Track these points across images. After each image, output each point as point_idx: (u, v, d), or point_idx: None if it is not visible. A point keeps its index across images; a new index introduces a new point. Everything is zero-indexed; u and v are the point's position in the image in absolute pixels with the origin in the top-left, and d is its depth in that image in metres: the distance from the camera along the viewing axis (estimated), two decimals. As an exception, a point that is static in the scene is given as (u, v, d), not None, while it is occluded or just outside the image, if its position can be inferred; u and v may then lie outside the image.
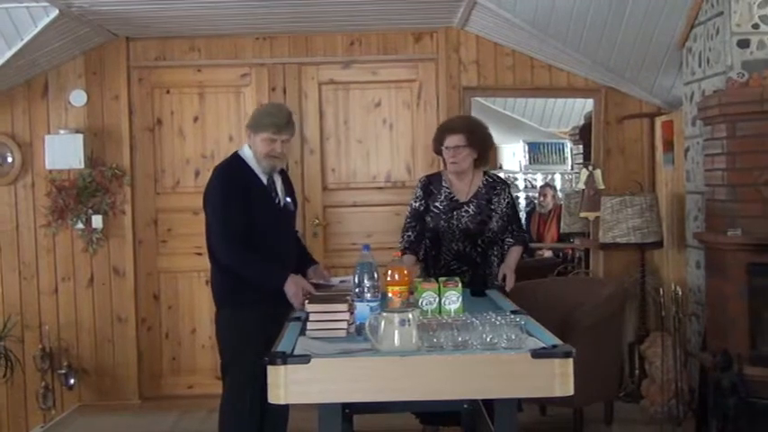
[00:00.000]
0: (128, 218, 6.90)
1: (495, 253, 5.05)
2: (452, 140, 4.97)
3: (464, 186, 5.05)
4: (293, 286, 4.41)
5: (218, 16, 6.32)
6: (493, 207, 5.02)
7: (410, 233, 5.04)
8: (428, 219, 5.02)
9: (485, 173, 5.13)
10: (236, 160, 4.65)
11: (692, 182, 5.91)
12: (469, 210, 5.00)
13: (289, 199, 4.69)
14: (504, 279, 4.88)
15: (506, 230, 5.05)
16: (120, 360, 6.93)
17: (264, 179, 4.59)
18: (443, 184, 5.07)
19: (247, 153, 4.60)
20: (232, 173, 4.58)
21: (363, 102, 7.02)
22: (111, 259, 6.91)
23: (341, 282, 4.65)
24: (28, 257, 6.90)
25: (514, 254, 5.03)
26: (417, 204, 5.07)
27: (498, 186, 5.09)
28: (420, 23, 6.75)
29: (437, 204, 5.02)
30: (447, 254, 5.00)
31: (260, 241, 4.49)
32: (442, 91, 6.89)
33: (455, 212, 4.99)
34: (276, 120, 4.54)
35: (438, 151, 5.13)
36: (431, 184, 5.10)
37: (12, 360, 6.63)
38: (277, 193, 4.63)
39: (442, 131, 5.09)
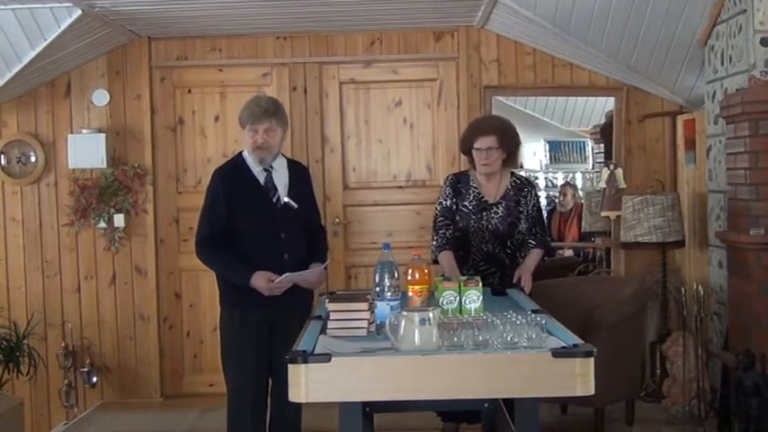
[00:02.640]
0: (149, 217, 6.94)
1: (523, 254, 5.01)
2: (485, 142, 4.92)
3: (492, 187, 5.02)
4: (261, 281, 4.41)
5: (240, 16, 6.34)
6: (521, 209, 5.00)
7: (444, 231, 4.96)
8: (457, 218, 4.98)
9: (512, 173, 5.10)
10: (234, 159, 4.74)
11: (714, 181, 5.88)
12: (498, 211, 4.97)
13: (286, 199, 4.60)
14: (519, 281, 4.82)
15: (531, 232, 5.01)
16: (142, 358, 6.97)
17: (262, 178, 4.60)
18: (471, 183, 5.03)
19: (247, 153, 4.66)
20: (223, 172, 4.67)
21: (384, 101, 7.02)
22: (133, 258, 6.95)
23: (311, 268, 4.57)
24: (51, 256, 6.95)
25: (534, 256, 4.98)
26: (449, 202, 5.01)
27: (526, 188, 5.06)
28: (441, 22, 6.75)
29: (466, 204, 4.99)
30: (476, 254, 4.97)
31: (248, 239, 4.52)
32: (463, 90, 6.89)
33: (484, 213, 4.96)
34: (250, 111, 4.58)
35: (466, 151, 5.09)
36: (459, 183, 5.05)
37: (35, 358, 6.67)
38: (276, 191, 4.61)
39: (474, 132, 5.03)
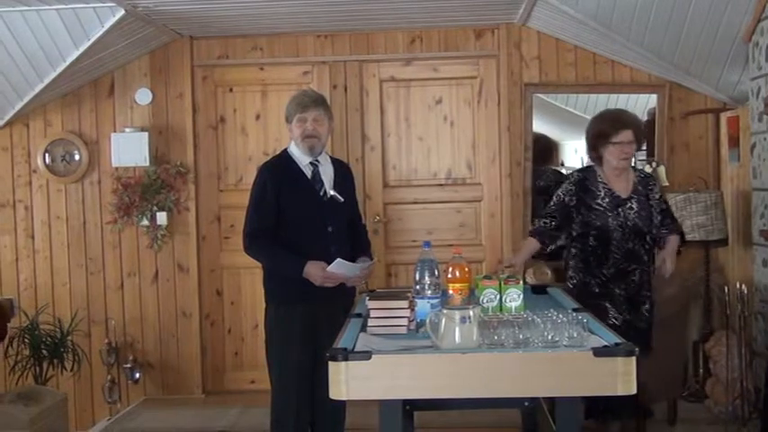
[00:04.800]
0: (191, 215, 6.99)
1: (653, 250, 5.00)
2: (627, 135, 4.86)
3: (622, 182, 4.95)
4: (316, 269, 4.41)
5: (280, 15, 6.37)
6: (651, 202, 4.96)
7: (548, 221, 4.93)
8: (592, 217, 4.89)
9: (632, 166, 5.07)
10: (280, 155, 4.75)
11: (758, 178, 5.80)
12: (633, 206, 4.91)
13: (332, 192, 4.62)
14: (663, 264, 4.88)
15: (663, 224, 4.99)
16: (183, 355, 7.03)
17: (309, 172, 4.62)
18: (599, 180, 4.95)
19: (293, 148, 4.67)
20: (270, 167, 4.67)
21: (424, 99, 7.02)
22: (175, 255, 7.01)
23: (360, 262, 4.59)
24: (94, 253, 7.03)
25: (672, 242, 4.98)
26: (567, 198, 4.95)
27: (650, 180, 5.04)
28: (481, 20, 6.73)
29: (599, 202, 4.91)
30: (617, 252, 4.90)
31: (296, 232, 4.53)
32: (504, 87, 6.86)
33: (620, 210, 4.90)
34: (299, 101, 4.62)
35: (599, 146, 4.96)
36: (586, 180, 4.97)
37: (79, 354, 6.77)
38: (323, 185, 4.63)
39: (615, 126, 4.91)
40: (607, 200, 4.89)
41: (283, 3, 6.04)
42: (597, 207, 4.89)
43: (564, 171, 7.22)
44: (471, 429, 5.56)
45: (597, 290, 4.89)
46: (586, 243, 4.92)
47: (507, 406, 4.32)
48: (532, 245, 4.92)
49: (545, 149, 7.10)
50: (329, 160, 4.76)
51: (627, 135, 4.85)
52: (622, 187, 4.94)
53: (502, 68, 6.87)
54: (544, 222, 4.95)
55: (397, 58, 6.98)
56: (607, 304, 4.87)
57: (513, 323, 3.18)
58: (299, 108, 4.59)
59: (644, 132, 5.00)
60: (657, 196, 4.98)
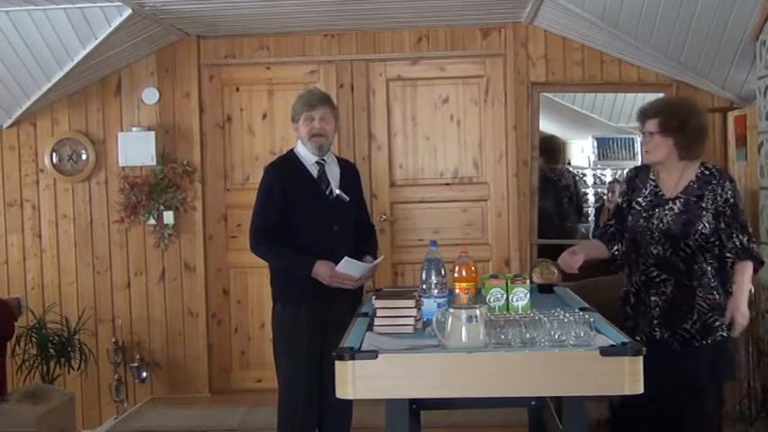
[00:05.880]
0: (198, 214, 7.00)
1: (709, 260, 4.20)
2: (647, 125, 4.29)
3: (672, 179, 4.28)
4: (324, 268, 4.43)
5: (287, 14, 6.37)
6: (704, 205, 4.18)
7: (606, 227, 4.51)
8: (628, 218, 4.37)
9: (702, 164, 4.28)
10: (286, 155, 4.78)
11: (765, 177, 5.79)
12: (674, 207, 4.21)
13: (338, 191, 4.64)
14: (730, 324, 4.17)
15: (728, 236, 4.19)
16: (190, 354, 7.03)
17: (315, 171, 4.63)
18: (651, 176, 4.36)
19: (299, 148, 4.69)
20: (276, 167, 4.70)
21: (431, 98, 7.01)
22: (182, 255, 7.02)
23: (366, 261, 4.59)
24: (101, 252, 7.04)
25: (742, 277, 4.18)
26: (621, 200, 4.50)
27: (714, 180, 4.21)
28: (488, 19, 6.72)
29: (639, 200, 4.34)
30: (645, 258, 4.27)
31: (302, 231, 4.54)
32: (510, 86, 6.86)
33: (657, 210, 4.25)
34: (306, 99, 4.64)
35: None
36: (637, 177, 4.44)
37: (86, 353, 6.77)
38: (329, 184, 4.65)
39: (640, 116, 4.38)
40: (649, 198, 4.32)
41: (290, 2, 6.04)
42: (636, 207, 4.35)
43: (571, 168, 7.27)
44: (478, 428, 5.55)
45: (633, 300, 4.38)
46: (622, 248, 4.47)
47: (514, 405, 4.32)
48: (595, 243, 4.51)
49: (551, 149, 7.10)
50: (335, 160, 4.77)
51: (648, 125, 4.28)
52: (670, 185, 4.28)
53: (509, 67, 6.86)
54: (602, 228, 4.55)
55: (403, 57, 6.98)
56: (639, 318, 4.34)
57: (519, 322, 3.17)
58: (307, 106, 4.60)
59: (681, 122, 4.17)
60: (721, 199, 4.19)
